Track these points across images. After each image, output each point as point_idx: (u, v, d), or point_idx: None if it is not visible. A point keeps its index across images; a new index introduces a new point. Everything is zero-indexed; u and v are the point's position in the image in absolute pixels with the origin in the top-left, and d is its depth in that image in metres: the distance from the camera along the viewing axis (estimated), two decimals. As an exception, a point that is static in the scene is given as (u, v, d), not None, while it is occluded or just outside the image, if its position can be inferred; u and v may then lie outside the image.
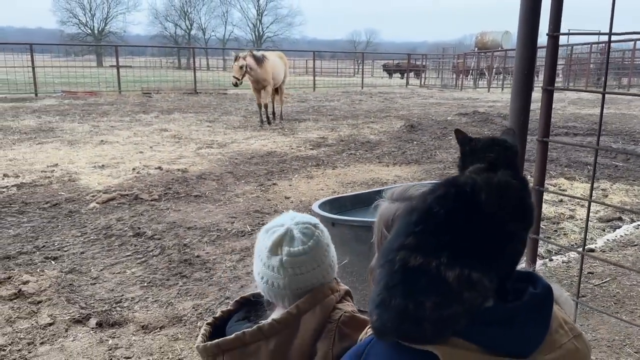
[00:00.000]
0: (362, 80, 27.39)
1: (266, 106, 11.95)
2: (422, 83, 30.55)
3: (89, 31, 70.48)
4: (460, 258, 0.97)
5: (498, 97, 21.26)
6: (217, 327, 1.52)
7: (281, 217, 1.49)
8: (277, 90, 12.66)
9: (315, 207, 3.54)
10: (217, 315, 1.55)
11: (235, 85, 11.44)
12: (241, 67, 11.12)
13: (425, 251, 0.98)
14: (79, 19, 70.57)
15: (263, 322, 1.37)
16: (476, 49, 35.04)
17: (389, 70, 40.88)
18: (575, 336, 1.08)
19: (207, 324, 1.51)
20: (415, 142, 9.80)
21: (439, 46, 59.88)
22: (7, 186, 6.29)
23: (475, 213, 1.00)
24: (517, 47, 2.24)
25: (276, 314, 1.42)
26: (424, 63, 34.64)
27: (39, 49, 28.15)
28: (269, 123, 12.08)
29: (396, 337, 1.03)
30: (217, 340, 1.36)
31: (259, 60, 11.37)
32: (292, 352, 1.34)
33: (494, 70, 27.90)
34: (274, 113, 12.69)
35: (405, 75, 32.41)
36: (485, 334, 1.01)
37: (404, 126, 11.66)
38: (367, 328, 1.17)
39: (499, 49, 30.14)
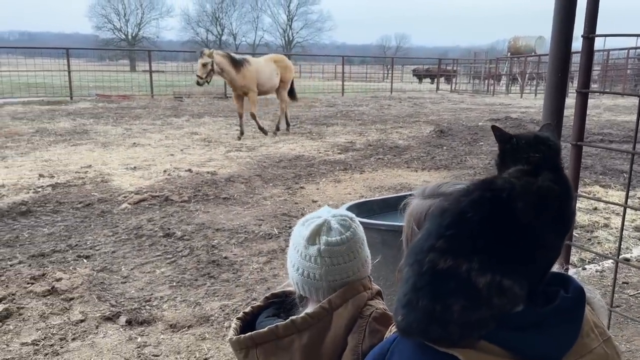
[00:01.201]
0: (391, 85, 27.28)
1: (254, 116, 10.63)
2: (453, 88, 30.25)
3: (123, 36, 72.21)
4: (492, 264, 0.96)
5: (531, 103, 20.89)
6: (247, 323, 1.53)
7: (318, 211, 1.50)
8: (279, 96, 11.63)
9: (342, 210, 3.53)
10: (247, 310, 1.56)
11: (199, 84, 10.26)
12: (204, 65, 9.91)
13: (456, 255, 0.96)
14: (113, 25, 72.45)
15: (296, 316, 1.37)
16: (509, 54, 34.56)
17: (419, 75, 40.63)
18: (604, 340, 1.05)
19: (237, 318, 1.53)
20: (444, 148, 9.70)
21: (470, 51, 59.25)
22: (42, 186, 6.47)
23: (510, 221, 0.98)
24: (550, 48, 2.19)
25: (309, 309, 1.42)
26: (455, 68, 34.31)
27: (74, 53, 28.92)
28: (265, 132, 10.83)
29: (421, 338, 1.02)
30: (250, 333, 1.37)
31: (237, 64, 10.22)
32: (325, 346, 1.34)
33: (527, 75, 27.43)
34: (285, 121, 11.58)
35: (436, 80, 32.14)
36: (514, 338, 0.99)
37: (433, 131, 11.56)
38: (392, 326, 1.16)
39: (533, 54, 29.64)
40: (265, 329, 1.36)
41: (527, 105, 19.55)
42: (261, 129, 10.81)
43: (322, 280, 1.40)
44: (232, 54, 10.60)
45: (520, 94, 25.24)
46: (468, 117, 14.91)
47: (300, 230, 1.46)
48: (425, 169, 7.89)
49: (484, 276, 0.94)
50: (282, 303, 1.57)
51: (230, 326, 1.53)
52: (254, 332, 1.37)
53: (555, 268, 1.11)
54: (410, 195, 1.35)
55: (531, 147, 1.05)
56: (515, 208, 0.97)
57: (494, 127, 1.12)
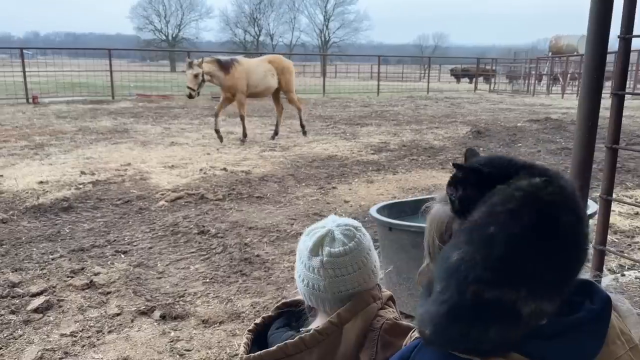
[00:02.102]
0: (428, 85, 27.00)
1: (242, 118, 10.20)
2: (492, 88, 29.70)
3: (164, 37, 73.83)
4: (538, 291, 0.94)
5: (572, 103, 20.31)
6: (259, 334, 1.53)
7: (323, 220, 1.49)
8: (277, 103, 10.98)
9: (373, 211, 3.53)
10: (257, 322, 1.55)
11: (190, 97, 9.66)
12: (196, 76, 9.50)
13: (503, 285, 0.93)
14: (154, 26, 74.20)
15: (305, 332, 1.35)
16: (550, 53, 33.68)
17: (457, 75, 40.06)
18: (631, 348, 1.03)
19: (249, 331, 1.52)
20: (481, 149, 9.54)
21: (510, 50, 58.04)
22: (83, 183, 6.69)
23: (558, 239, 0.94)
24: (586, 48, 2.15)
25: (318, 322, 1.42)
26: (494, 67, 33.68)
27: (116, 54, 29.75)
28: (220, 137, 10.05)
29: (449, 350, 1.01)
30: (259, 353, 1.36)
31: (225, 66, 9.78)
32: (339, 356, 1.33)
33: (569, 75, 26.67)
34: (302, 126, 11.11)
35: (474, 80, 31.62)
36: (539, 347, 0.98)
37: (470, 132, 11.39)
38: (412, 332, 1.16)
39: (575, 53, 28.81)
40: (275, 347, 1.35)
41: (568, 106, 19.02)
42: (245, 135, 10.25)
43: (327, 292, 1.38)
44: (220, 58, 10.16)
45: (562, 94, 24.57)
46: (507, 118, 14.62)
47: (305, 241, 1.44)
48: (460, 171, 7.77)
49: (529, 305, 0.93)
50: (293, 312, 1.56)
51: (242, 342, 1.52)
52: (264, 351, 1.36)
53: (588, 275, 1.09)
54: (431, 199, 1.31)
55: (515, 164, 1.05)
56: (561, 222, 0.95)
57: (455, 165, 1.11)
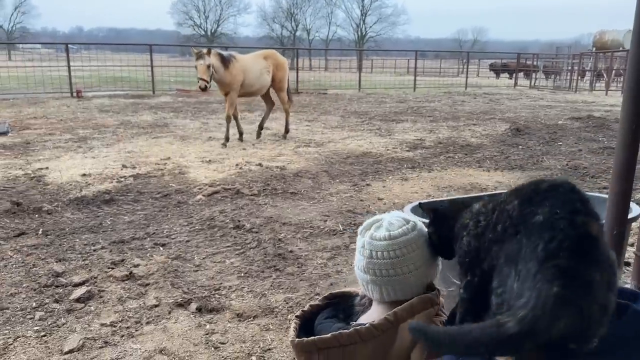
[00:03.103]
0: (466, 80, 26.55)
1: (235, 117, 9.57)
2: (532, 84, 28.99)
3: (203, 32, 74.91)
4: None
5: (617, 101, 19.62)
6: (306, 321, 1.55)
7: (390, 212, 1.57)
8: (267, 99, 10.54)
9: (407, 210, 3.51)
10: (305, 309, 1.58)
11: (205, 89, 8.91)
12: (208, 67, 8.83)
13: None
14: (194, 21, 75.51)
15: (360, 325, 1.37)
16: (594, 48, 32.61)
17: (496, 70, 39.25)
18: None
19: (297, 316, 1.55)
20: (520, 147, 9.36)
21: (552, 45, 56.45)
22: (125, 176, 6.89)
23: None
24: (631, 47, 2.09)
25: (369, 316, 1.44)
26: (535, 63, 32.84)
27: (157, 49, 30.36)
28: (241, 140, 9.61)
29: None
30: (314, 338, 1.38)
31: (226, 61, 9.12)
32: (394, 352, 1.34)
33: (614, 71, 25.77)
34: (287, 127, 10.40)
35: (514, 75, 30.91)
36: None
37: (509, 129, 11.16)
38: None
39: (620, 49, 27.80)
40: (329, 335, 1.36)
41: (612, 103, 18.40)
42: (227, 139, 9.41)
43: (367, 273, 1.43)
44: (221, 52, 9.48)
45: (606, 91, 23.76)
46: (547, 115, 14.26)
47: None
48: (498, 169, 7.65)
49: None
50: (339, 304, 1.59)
51: (290, 326, 1.56)
52: (318, 337, 1.38)
53: (632, 285, 1.08)
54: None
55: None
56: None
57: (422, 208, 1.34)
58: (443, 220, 1.28)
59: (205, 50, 8.99)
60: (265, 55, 10.10)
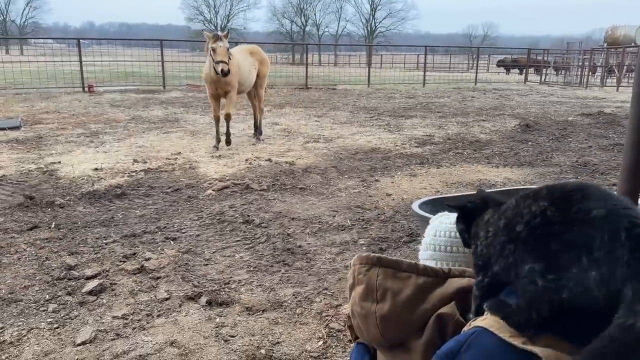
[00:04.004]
0: (476, 76, 26.40)
1: (227, 118, 8.53)
2: (543, 80, 28.77)
3: (213, 28, 75.01)
4: None
5: (628, 97, 19.38)
6: None
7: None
8: (252, 97, 9.77)
9: (415, 206, 3.54)
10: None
11: (227, 74, 7.85)
12: (228, 49, 8.04)
13: None
14: (204, 16, 75.61)
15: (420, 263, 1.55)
16: (605, 44, 32.27)
17: (506, 66, 38.98)
18: None
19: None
20: (530, 143, 9.33)
21: (563, 41, 55.94)
22: (136, 170, 6.96)
23: None
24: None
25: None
26: (546, 58, 32.57)
27: (167, 44, 30.47)
28: (229, 143, 8.68)
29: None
30: (379, 254, 1.54)
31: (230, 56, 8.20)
32: (432, 297, 1.45)
33: (625, 67, 25.50)
34: (257, 127, 9.58)
35: (524, 71, 30.69)
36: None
37: (518, 125, 11.12)
38: (471, 321, 1.19)
39: (632, 44, 27.50)
40: (392, 258, 1.53)
41: (623, 99, 18.23)
42: (228, 136, 8.74)
43: (428, 250, 1.68)
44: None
45: (617, 87, 23.53)
46: (557, 111, 14.18)
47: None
48: (507, 165, 7.64)
49: None
50: None
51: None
52: (383, 255, 1.55)
53: None
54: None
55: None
56: None
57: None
58: (471, 217, 1.35)
59: (222, 33, 8.19)
60: (251, 50, 9.46)
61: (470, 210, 1.34)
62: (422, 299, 1.45)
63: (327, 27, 79.71)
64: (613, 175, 6.95)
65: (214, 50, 7.94)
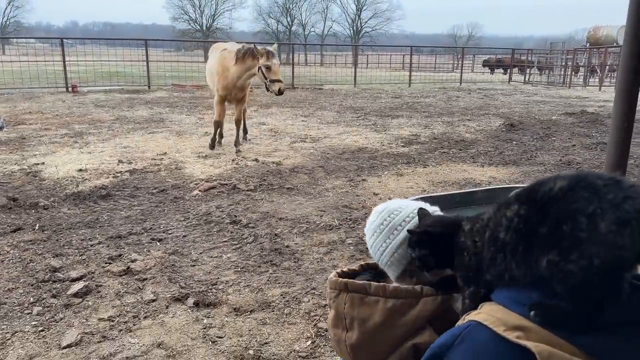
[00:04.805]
0: (461, 76, 26.59)
1: (239, 123, 8.57)
2: (527, 79, 29.06)
3: (198, 27, 74.58)
4: None
5: (610, 96, 19.71)
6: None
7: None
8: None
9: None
10: (344, 269, 1.71)
11: (282, 93, 7.88)
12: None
13: None
14: (189, 16, 75.10)
15: (389, 284, 1.50)
16: (588, 44, 32.71)
17: (491, 66, 39.32)
18: None
19: (336, 272, 1.69)
20: (514, 142, 9.42)
21: (546, 41, 56.59)
22: (121, 171, 6.90)
23: None
24: (623, 44, 2.13)
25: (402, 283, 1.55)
26: (530, 58, 32.91)
27: (152, 43, 30.18)
28: (220, 144, 8.63)
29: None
30: (346, 279, 1.53)
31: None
32: (404, 321, 1.42)
33: (607, 67, 25.87)
34: (245, 130, 9.32)
35: (509, 71, 30.98)
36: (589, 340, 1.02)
37: (503, 125, 11.22)
38: (465, 315, 1.20)
39: (614, 44, 27.90)
40: (360, 282, 1.51)
41: (605, 98, 18.49)
42: (220, 138, 8.79)
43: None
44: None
45: (599, 86, 23.86)
46: (541, 111, 14.33)
47: None
48: (492, 165, 7.71)
49: None
50: (375, 274, 1.70)
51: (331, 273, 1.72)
52: (350, 280, 1.53)
53: None
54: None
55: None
56: None
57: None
58: (437, 242, 1.34)
59: (272, 48, 7.80)
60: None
61: (436, 235, 1.34)
62: (392, 324, 1.42)
63: (313, 27, 79.83)
64: (596, 173, 7.04)
65: (268, 68, 7.56)
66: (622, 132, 2.38)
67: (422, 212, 1.47)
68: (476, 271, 1.23)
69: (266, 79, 7.65)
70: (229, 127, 9.18)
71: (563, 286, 1.01)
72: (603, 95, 20.10)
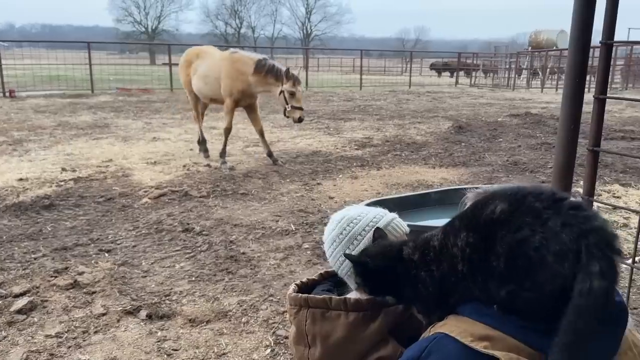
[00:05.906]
0: (410, 79, 27.12)
1: (263, 132, 8.11)
2: (473, 82, 29.96)
3: (143, 29, 72.81)
4: None
5: (552, 98, 20.61)
6: (303, 291, 1.65)
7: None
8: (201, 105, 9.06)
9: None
10: (303, 280, 1.68)
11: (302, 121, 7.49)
12: None
13: None
14: (133, 17, 73.20)
15: (350, 295, 1.47)
16: (530, 48, 34.10)
17: (438, 69, 40.32)
18: None
19: (295, 284, 1.65)
20: (463, 144, 9.65)
21: (490, 44, 58.58)
22: (64, 180, 6.61)
23: None
24: (569, 53, 2.19)
25: (362, 295, 1.51)
26: (475, 61, 33.95)
27: (95, 46, 29.23)
28: (271, 155, 7.95)
29: None
30: (307, 295, 1.50)
31: None
32: (367, 334, 1.40)
33: (548, 70, 27.03)
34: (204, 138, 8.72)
35: (455, 74, 31.86)
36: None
37: (452, 127, 11.49)
38: (431, 327, 1.19)
39: (554, 48, 29.20)
40: (321, 296, 1.47)
41: (547, 100, 19.31)
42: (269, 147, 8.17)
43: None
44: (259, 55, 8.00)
45: (541, 88, 24.89)
46: (487, 113, 14.78)
47: None
48: (443, 166, 7.86)
49: None
50: (335, 282, 1.67)
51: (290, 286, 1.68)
52: (310, 295, 1.50)
53: None
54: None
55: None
56: None
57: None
58: (375, 275, 1.31)
59: (296, 72, 7.46)
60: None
61: (373, 270, 1.30)
62: (355, 339, 1.40)
63: (262, 29, 79.53)
64: (542, 172, 7.31)
65: (292, 94, 7.19)
66: (569, 133, 2.45)
67: (377, 234, 1.42)
68: (437, 299, 1.21)
69: (287, 103, 7.22)
70: (177, 132, 8.97)
71: (522, 306, 1.09)
72: (545, 97, 20.96)
